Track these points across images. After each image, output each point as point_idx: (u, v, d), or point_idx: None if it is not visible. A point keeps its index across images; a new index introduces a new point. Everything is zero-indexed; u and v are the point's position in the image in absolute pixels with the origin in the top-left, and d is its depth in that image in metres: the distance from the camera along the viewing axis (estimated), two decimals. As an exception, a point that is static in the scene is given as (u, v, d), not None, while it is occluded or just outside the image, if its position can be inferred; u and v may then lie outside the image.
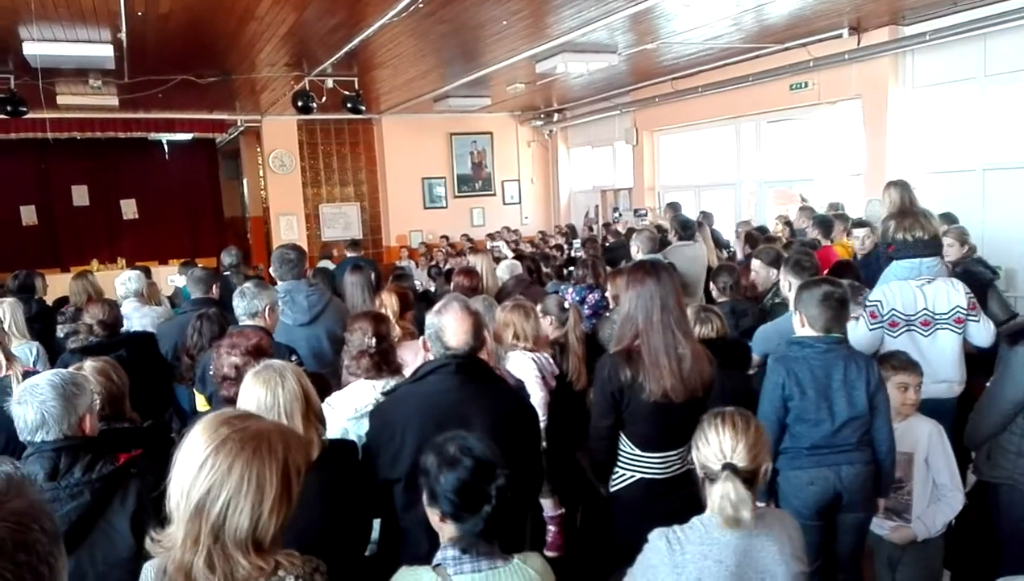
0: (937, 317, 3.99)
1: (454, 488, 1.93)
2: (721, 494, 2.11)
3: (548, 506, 3.43)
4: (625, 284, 3.11)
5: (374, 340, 3.18)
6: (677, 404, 2.93)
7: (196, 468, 1.58)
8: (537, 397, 3.54)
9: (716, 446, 2.18)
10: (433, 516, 2.01)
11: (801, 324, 3.18)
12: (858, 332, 4.02)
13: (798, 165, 10.17)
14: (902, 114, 8.35)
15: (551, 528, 3.47)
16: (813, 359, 3.09)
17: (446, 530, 1.99)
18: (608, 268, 6.22)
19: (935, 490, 3.28)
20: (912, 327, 3.98)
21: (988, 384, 3.47)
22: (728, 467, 2.14)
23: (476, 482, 1.92)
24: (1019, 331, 3.41)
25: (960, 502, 3.29)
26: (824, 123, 9.61)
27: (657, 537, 2.23)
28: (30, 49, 7.01)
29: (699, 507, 2.27)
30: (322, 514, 2.27)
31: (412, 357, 3.41)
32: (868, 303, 4.07)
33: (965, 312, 3.98)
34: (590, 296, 5.51)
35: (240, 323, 3.78)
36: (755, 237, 7.44)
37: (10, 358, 3.67)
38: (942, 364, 3.98)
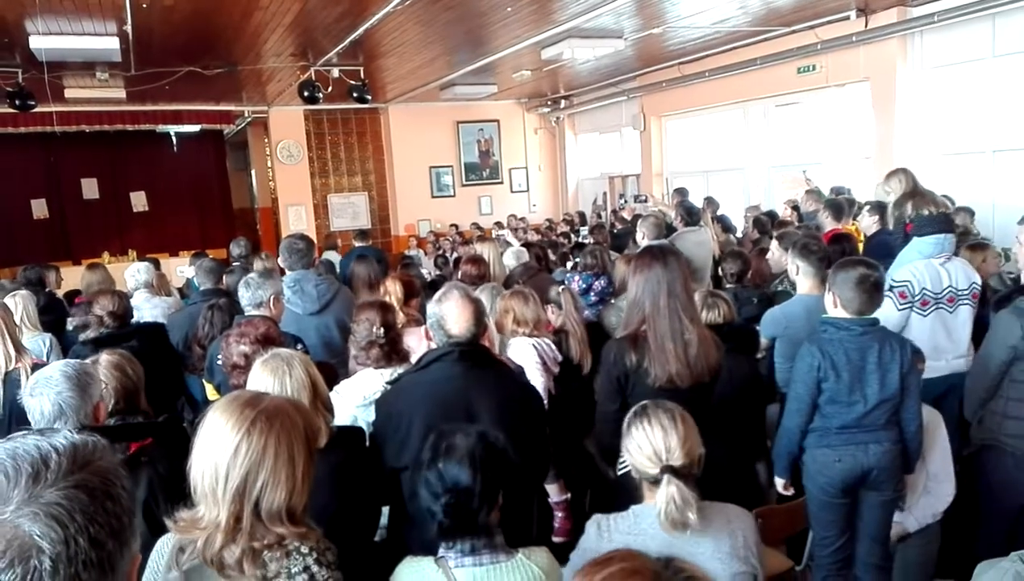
0: (959, 293, 4.04)
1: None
2: (666, 499, 2.09)
3: (554, 491, 3.44)
4: (632, 269, 3.10)
5: (382, 330, 3.20)
6: (683, 389, 2.92)
7: (231, 452, 1.64)
8: (538, 383, 3.55)
9: (649, 449, 2.16)
10: None
11: (834, 305, 3.16)
12: (885, 313, 3.94)
13: (806, 149, 10.11)
14: (911, 96, 8.28)
15: (558, 514, 3.48)
16: (848, 342, 3.08)
17: None
18: (614, 254, 6.22)
19: (927, 481, 3.28)
20: (940, 305, 4.02)
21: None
22: (667, 470, 2.12)
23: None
24: (1006, 297, 3.52)
25: (950, 493, 3.30)
26: (832, 106, 9.55)
27: (591, 522, 2.26)
28: (36, 43, 7.05)
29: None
30: (331, 499, 2.29)
31: (416, 343, 3.43)
32: (896, 284, 4.07)
33: (979, 288, 4.09)
34: (596, 283, 5.51)
35: (246, 313, 3.81)
36: (763, 222, 7.42)
37: (20, 350, 3.70)
38: (963, 339, 4.07)
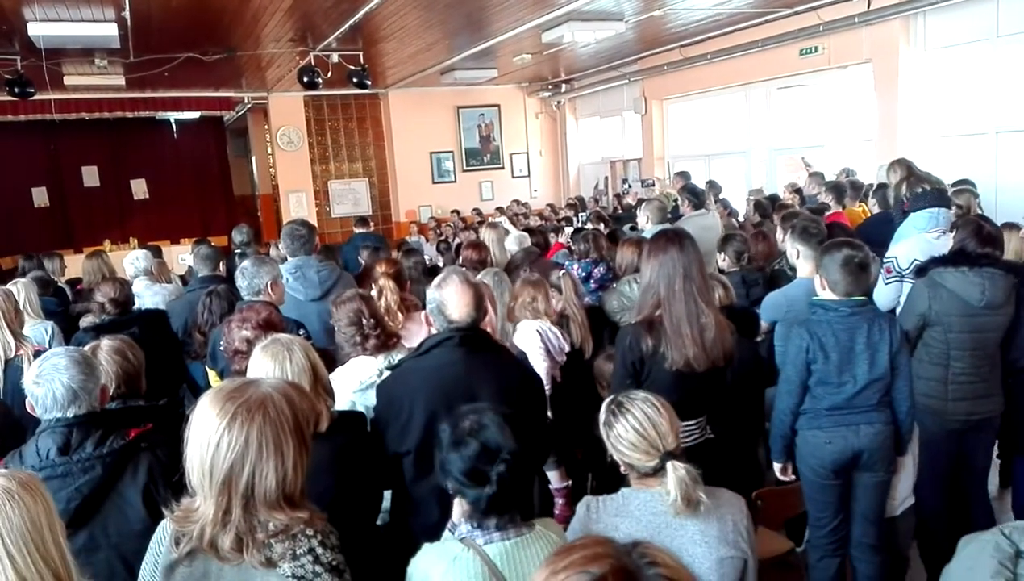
0: None
1: (458, 468, 1.94)
2: (676, 483, 2.08)
3: (555, 478, 3.44)
4: (647, 253, 3.09)
5: (373, 320, 3.19)
6: (699, 374, 2.92)
7: (214, 446, 1.64)
8: (540, 368, 3.55)
9: (644, 444, 2.15)
10: (448, 486, 2.02)
11: (822, 287, 3.18)
12: (876, 289, 4.14)
13: (809, 131, 10.07)
14: (914, 77, 8.23)
15: (558, 500, 3.48)
16: (837, 323, 3.09)
17: (458, 500, 2.01)
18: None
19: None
20: None
21: None
22: (667, 457, 2.12)
23: (478, 466, 1.92)
24: (924, 267, 3.69)
25: (912, 464, 3.32)
26: (835, 88, 9.49)
27: (581, 504, 2.26)
28: (35, 29, 7.03)
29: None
30: (333, 483, 2.30)
31: (418, 328, 3.44)
32: (884, 260, 4.21)
33: None
34: (596, 270, 5.50)
35: (245, 301, 3.80)
36: (764, 205, 7.39)
37: (20, 338, 3.70)
38: None
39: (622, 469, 2.26)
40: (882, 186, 6.17)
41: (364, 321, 3.16)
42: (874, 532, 3.22)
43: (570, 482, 3.70)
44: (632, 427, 2.17)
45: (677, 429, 2.19)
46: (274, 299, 3.78)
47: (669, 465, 2.11)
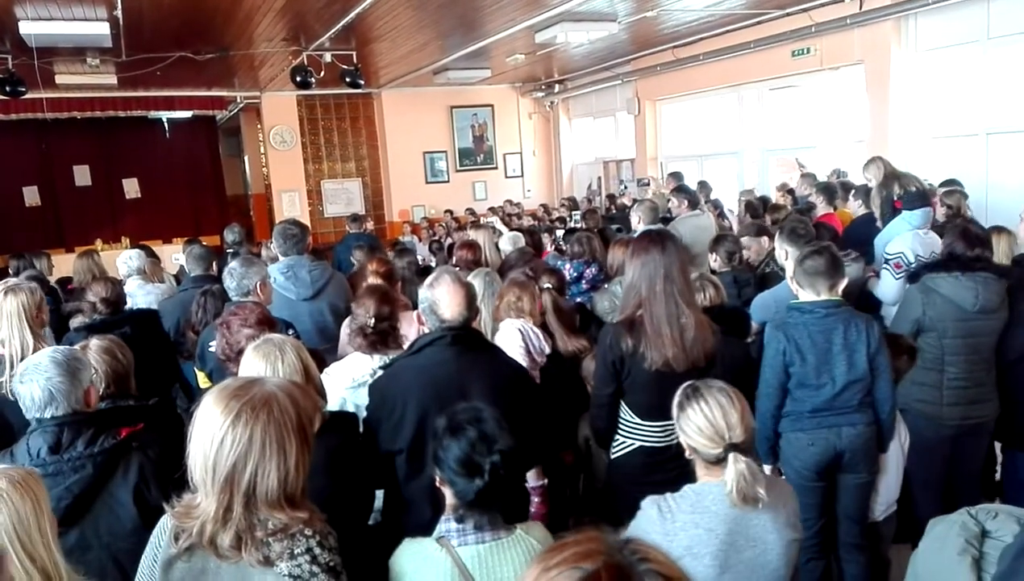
0: None
1: (454, 456, 1.97)
2: (735, 477, 2.10)
3: (531, 476, 3.45)
4: (630, 253, 3.11)
5: (373, 320, 3.19)
6: (678, 373, 2.93)
7: (218, 444, 1.65)
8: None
9: (711, 430, 2.16)
10: (437, 476, 2.06)
11: (798, 287, 3.23)
12: (885, 285, 4.33)
13: (801, 132, 10.11)
14: (905, 79, 8.26)
15: (534, 499, 3.49)
16: (812, 325, 3.11)
17: (446, 494, 2.03)
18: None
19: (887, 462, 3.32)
20: None
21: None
22: (731, 448, 2.13)
23: (473, 455, 1.95)
24: (917, 272, 3.77)
25: (896, 472, 3.34)
26: (826, 89, 9.53)
27: (649, 505, 2.23)
28: (26, 28, 6.99)
29: (696, 475, 2.27)
30: (326, 484, 2.30)
31: (408, 327, 3.44)
32: (890, 256, 4.38)
33: None
34: (588, 271, 5.51)
35: (235, 301, 3.79)
36: (755, 206, 7.42)
37: (39, 338, 3.66)
38: None
39: (687, 453, 2.27)
40: (865, 188, 6.21)
41: (366, 318, 3.17)
42: (858, 531, 3.25)
43: (546, 481, 3.70)
44: (702, 411, 2.18)
45: (749, 424, 2.19)
46: (262, 300, 3.78)
47: (731, 456, 2.12)
